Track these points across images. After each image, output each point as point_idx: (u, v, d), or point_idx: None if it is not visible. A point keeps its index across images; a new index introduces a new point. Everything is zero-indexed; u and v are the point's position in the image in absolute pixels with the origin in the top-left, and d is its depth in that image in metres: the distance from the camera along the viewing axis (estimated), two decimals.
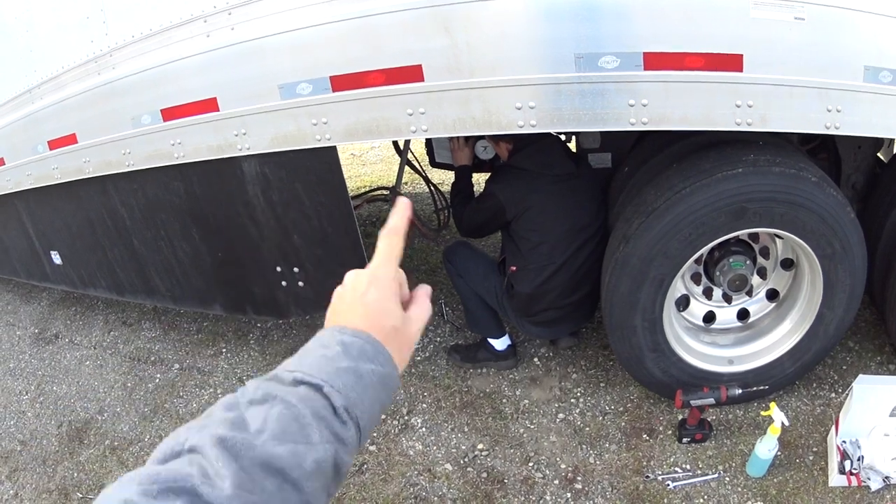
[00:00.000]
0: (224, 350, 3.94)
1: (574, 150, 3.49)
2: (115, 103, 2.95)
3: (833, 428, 2.88)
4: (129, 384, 3.81)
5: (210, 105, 2.69)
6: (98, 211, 3.46)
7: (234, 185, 2.85)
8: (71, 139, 3.20)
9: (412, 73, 2.36)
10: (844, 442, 2.79)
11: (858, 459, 2.72)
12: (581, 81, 2.28)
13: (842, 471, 2.74)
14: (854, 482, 2.74)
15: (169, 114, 2.82)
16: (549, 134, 2.93)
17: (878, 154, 3.56)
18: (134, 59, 2.81)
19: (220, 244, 3.12)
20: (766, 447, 2.75)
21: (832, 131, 2.42)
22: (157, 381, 3.77)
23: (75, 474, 3.30)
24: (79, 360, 4.18)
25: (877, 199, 3.25)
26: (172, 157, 2.91)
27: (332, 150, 2.61)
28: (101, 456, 3.31)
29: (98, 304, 4.74)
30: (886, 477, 2.72)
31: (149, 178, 3.09)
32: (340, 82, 2.45)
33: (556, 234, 3.05)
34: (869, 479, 2.74)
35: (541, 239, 3.05)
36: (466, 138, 3.36)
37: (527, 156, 3.07)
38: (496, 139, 3.20)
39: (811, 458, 2.93)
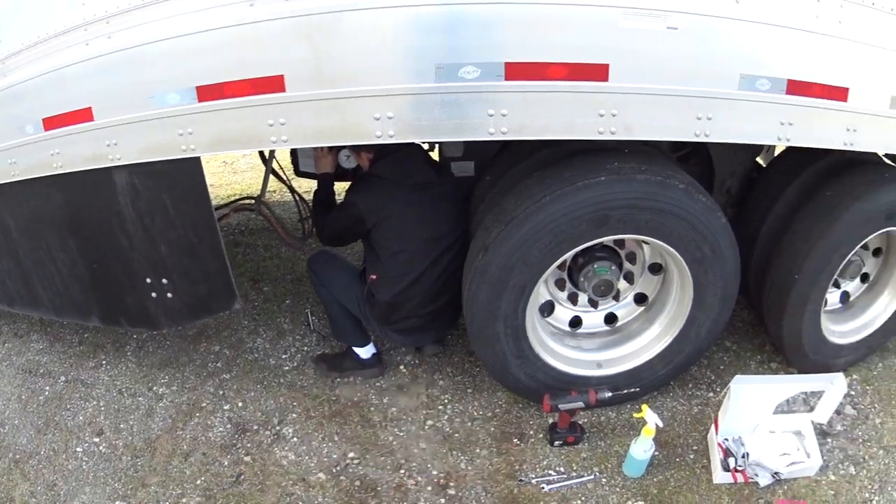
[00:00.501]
0: (104, 362, 3.88)
1: (437, 158, 3.51)
2: (4, 112, 2.89)
3: (713, 427, 2.94)
4: (23, 396, 3.74)
5: (85, 115, 2.65)
6: None
7: (106, 195, 2.80)
8: None
9: (274, 84, 2.34)
10: (727, 440, 2.85)
11: (743, 457, 2.78)
12: (440, 92, 2.29)
13: (726, 468, 2.79)
14: (740, 479, 2.79)
15: (49, 123, 2.76)
16: (411, 143, 2.95)
17: (758, 159, 3.65)
18: (24, 66, 2.76)
19: (95, 255, 3.06)
20: (642, 448, 2.79)
21: (701, 139, 2.47)
22: (47, 393, 3.70)
23: None
24: None
25: (753, 203, 3.32)
26: (52, 167, 2.85)
27: (196, 161, 2.58)
28: (7, 469, 3.25)
29: None
30: (776, 473, 2.78)
31: (32, 188, 3.01)
32: (206, 93, 2.42)
33: (416, 243, 3.05)
34: (757, 475, 2.79)
35: (400, 247, 3.05)
36: (329, 147, 3.35)
37: (386, 165, 3.06)
38: (357, 149, 3.20)
39: (692, 456, 2.98)
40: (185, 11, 2.37)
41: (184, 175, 2.64)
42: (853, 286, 3.50)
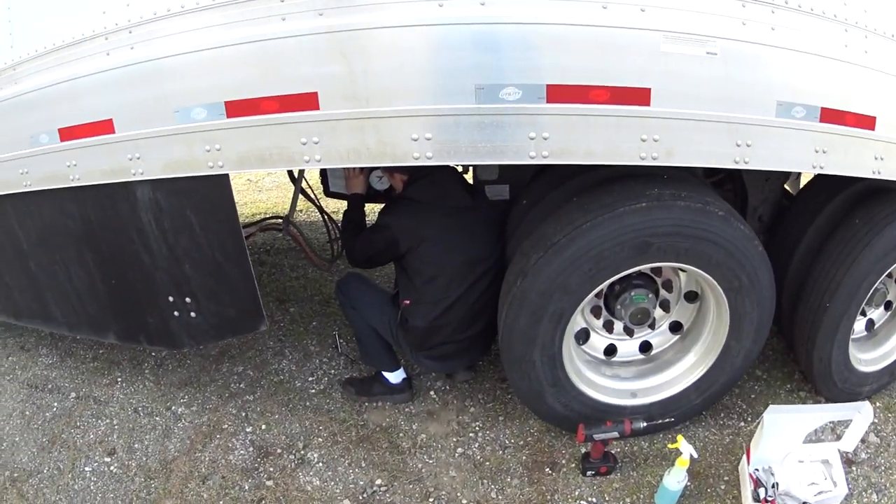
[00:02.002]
0: (119, 379, 3.82)
1: (471, 181, 3.45)
2: (15, 120, 2.83)
3: (744, 457, 2.88)
4: (26, 412, 3.67)
5: (106, 127, 2.58)
6: None
7: (127, 210, 2.73)
8: None
9: (307, 101, 2.27)
10: (757, 470, 2.78)
11: (773, 486, 2.72)
12: (480, 113, 2.22)
13: (756, 498, 2.72)
14: None
15: (66, 134, 2.70)
16: (446, 165, 2.89)
17: (786, 185, 3.60)
18: (37, 74, 2.69)
19: (114, 271, 2.99)
20: (675, 479, 2.74)
21: (741, 166, 2.42)
22: (55, 409, 3.64)
23: None
24: None
25: (784, 231, 3.28)
26: (68, 178, 2.78)
27: (224, 178, 2.52)
28: (1, 488, 3.19)
29: None
30: (804, 503, 2.73)
31: (46, 199, 2.95)
32: (235, 108, 2.36)
33: (452, 268, 2.99)
34: None
35: (435, 272, 2.99)
36: (361, 168, 3.28)
37: (421, 187, 3.00)
38: (391, 170, 3.12)
39: (723, 487, 2.93)
40: (213, 24, 2.31)
41: (211, 192, 2.57)
42: (878, 314, 3.47)
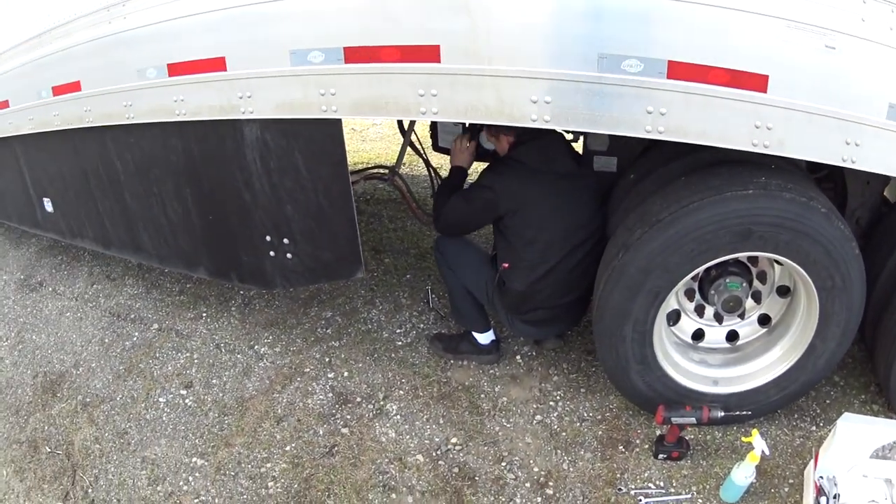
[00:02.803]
0: (204, 314, 3.87)
1: (580, 150, 3.41)
2: (123, 54, 2.90)
3: (812, 462, 2.82)
4: (106, 340, 3.76)
5: (218, 64, 2.64)
6: (94, 161, 3.41)
7: (232, 148, 2.79)
8: (75, 86, 3.15)
9: (429, 53, 2.30)
10: (822, 477, 2.73)
11: (834, 497, 2.66)
12: (602, 82, 2.22)
13: None
14: None
15: (175, 69, 2.77)
16: (554, 131, 2.87)
17: (885, 192, 3.51)
18: (147, 10, 2.76)
19: (212, 207, 3.06)
20: (744, 474, 2.70)
21: (848, 164, 2.39)
22: (135, 339, 3.70)
23: (46, 427, 3.24)
24: (60, 310, 4.13)
25: (879, 237, 3.21)
26: (174, 113, 2.85)
27: (336, 123, 2.56)
28: (72, 411, 3.26)
29: (84, 255, 4.70)
30: None
31: (147, 133, 3.04)
32: (354, 54, 2.39)
33: (552, 232, 2.98)
34: None
35: (536, 236, 2.97)
36: (471, 140, 3.28)
37: (528, 150, 2.98)
38: (498, 132, 3.08)
39: (786, 489, 2.88)
40: None
41: (322, 136, 2.62)
42: None
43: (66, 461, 3.03)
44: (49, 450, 3.11)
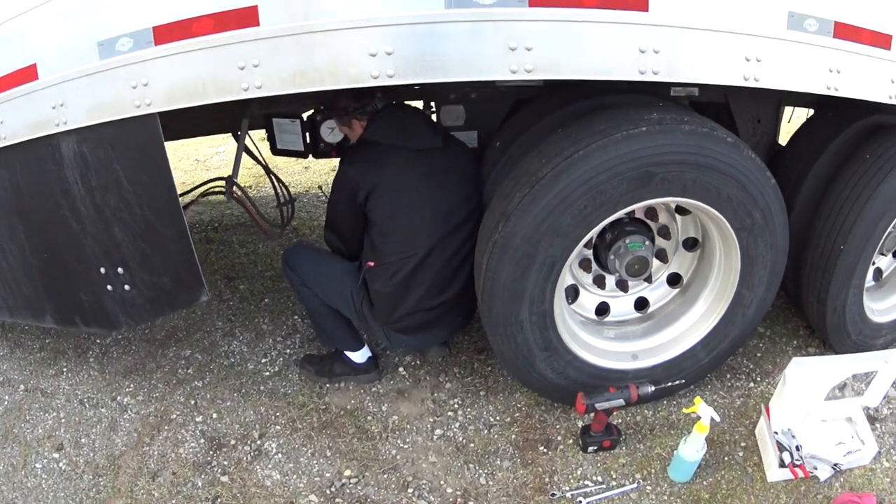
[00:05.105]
0: (65, 369, 3.61)
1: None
2: None
3: (763, 419, 2.71)
4: None
5: (30, 73, 2.33)
6: None
7: (53, 170, 2.45)
8: None
9: (245, 17, 1.98)
10: (776, 433, 2.62)
11: (797, 449, 2.57)
12: (449, 19, 1.95)
13: (782, 464, 2.56)
14: (800, 474, 2.56)
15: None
16: (408, 105, 2.64)
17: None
18: None
19: (45, 244, 2.71)
20: (694, 448, 2.51)
21: (751, 83, 2.20)
22: (6, 403, 3.44)
23: None
24: None
25: (783, 175, 3.07)
26: None
27: (154, 122, 2.22)
28: None
29: None
30: (836, 464, 2.59)
31: None
32: (164, 33, 2.07)
33: (418, 219, 2.66)
34: (816, 468, 2.59)
35: (400, 222, 2.67)
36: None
37: (381, 127, 2.69)
38: (350, 118, 2.81)
39: (741, 454, 2.72)
40: None
41: (140, 139, 2.26)
42: (886, 262, 3.39)
43: None
44: None
